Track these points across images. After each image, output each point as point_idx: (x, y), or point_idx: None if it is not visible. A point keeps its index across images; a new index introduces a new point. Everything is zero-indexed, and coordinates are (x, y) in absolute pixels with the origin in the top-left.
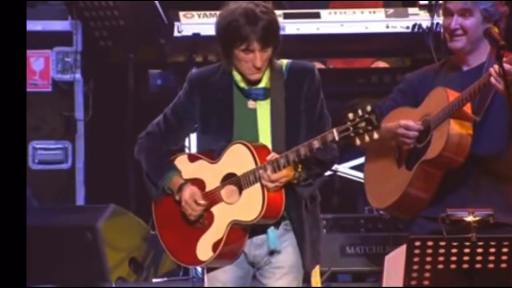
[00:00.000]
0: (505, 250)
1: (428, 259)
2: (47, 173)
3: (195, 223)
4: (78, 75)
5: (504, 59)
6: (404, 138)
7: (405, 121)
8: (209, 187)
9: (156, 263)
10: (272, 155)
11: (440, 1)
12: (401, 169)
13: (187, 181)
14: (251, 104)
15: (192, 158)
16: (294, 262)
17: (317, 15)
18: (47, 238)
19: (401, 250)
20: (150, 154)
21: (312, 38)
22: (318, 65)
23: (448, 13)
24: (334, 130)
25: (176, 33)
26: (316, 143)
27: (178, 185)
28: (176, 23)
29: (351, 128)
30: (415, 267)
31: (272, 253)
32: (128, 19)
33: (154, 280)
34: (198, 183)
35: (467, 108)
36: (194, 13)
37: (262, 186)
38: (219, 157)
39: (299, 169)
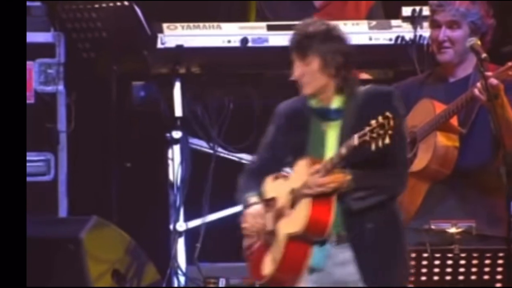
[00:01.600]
0: (487, 262)
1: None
2: (29, 185)
3: (266, 237)
4: (60, 87)
5: (490, 73)
6: None
7: None
8: (279, 203)
9: (139, 275)
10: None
11: (424, 13)
12: None
13: (263, 200)
14: (323, 126)
15: (276, 177)
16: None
17: None
18: (29, 250)
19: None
20: (243, 189)
21: None
22: None
23: (436, 25)
24: (355, 136)
25: (159, 45)
26: (343, 150)
27: (248, 203)
28: (159, 35)
29: (368, 133)
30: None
31: (312, 271)
32: (111, 30)
33: None
34: (272, 200)
35: (454, 121)
36: (178, 24)
37: (310, 199)
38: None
39: (348, 178)
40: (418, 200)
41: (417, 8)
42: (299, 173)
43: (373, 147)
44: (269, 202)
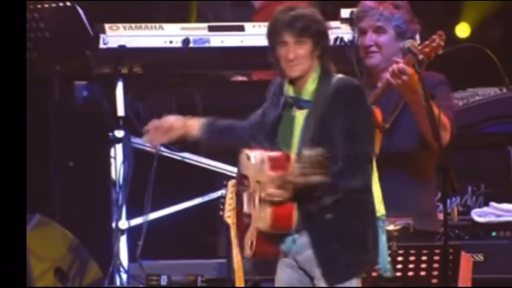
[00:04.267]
0: (424, 258)
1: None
2: None
3: (244, 218)
4: None
5: (399, 59)
6: None
7: None
8: (250, 187)
9: (81, 273)
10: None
11: None
12: None
13: (240, 176)
14: (294, 111)
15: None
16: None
17: (241, 28)
18: None
19: None
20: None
21: (236, 50)
22: (240, 78)
23: (362, 32)
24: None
25: (101, 45)
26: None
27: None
28: (101, 35)
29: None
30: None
31: (285, 255)
32: (54, 31)
33: None
34: (246, 179)
35: (377, 115)
36: (120, 25)
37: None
38: None
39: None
40: None
41: (355, 10)
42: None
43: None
44: (244, 180)
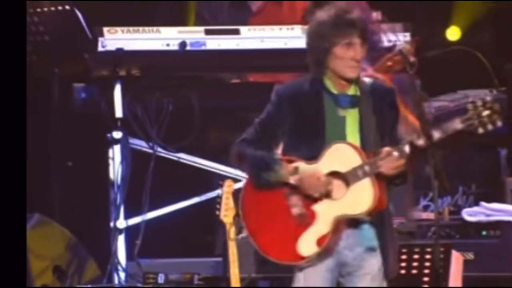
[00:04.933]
0: (416, 256)
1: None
2: None
3: (297, 220)
4: None
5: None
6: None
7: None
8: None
9: (80, 271)
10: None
11: None
12: None
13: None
14: (340, 111)
15: (287, 160)
16: (380, 266)
17: (237, 32)
18: None
19: None
20: (252, 150)
21: (232, 53)
22: (238, 80)
23: None
24: (458, 119)
25: (100, 48)
26: (437, 133)
27: (293, 167)
28: (100, 38)
29: (475, 117)
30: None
31: (368, 250)
32: (53, 34)
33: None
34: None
35: None
36: (118, 28)
37: (372, 180)
38: (318, 158)
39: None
40: None
41: None
42: (346, 157)
43: (480, 131)
44: (292, 186)
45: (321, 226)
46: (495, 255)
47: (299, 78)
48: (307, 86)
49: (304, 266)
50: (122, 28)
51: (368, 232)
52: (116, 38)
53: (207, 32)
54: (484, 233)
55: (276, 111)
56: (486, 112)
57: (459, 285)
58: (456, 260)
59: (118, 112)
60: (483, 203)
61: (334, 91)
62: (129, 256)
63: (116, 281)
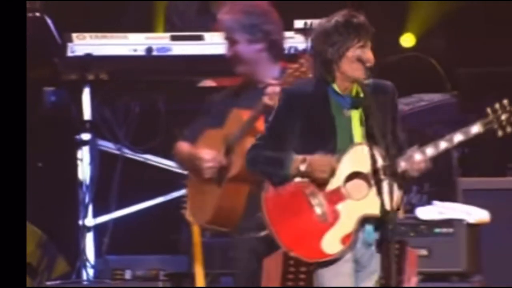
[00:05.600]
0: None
1: (304, 262)
2: None
3: (321, 219)
4: None
5: (274, 81)
6: (201, 170)
7: (201, 153)
8: (331, 186)
9: (50, 268)
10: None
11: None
12: (214, 186)
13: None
14: (346, 112)
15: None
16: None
17: (201, 38)
18: None
19: (279, 253)
20: (263, 153)
21: (197, 58)
22: (209, 83)
23: (235, 43)
24: (478, 123)
25: (69, 53)
26: (459, 136)
27: (301, 157)
28: (69, 44)
29: (495, 120)
30: (292, 269)
31: (369, 246)
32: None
33: (48, 283)
34: (318, 184)
35: (261, 125)
36: (86, 34)
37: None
38: (338, 159)
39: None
40: (242, 203)
41: (309, 21)
42: (367, 159)
43: (500, 133)
44: (316, 185)
45: (345, 225)
46: (448, 252)
47: (302, 81)
48: (313, 87)
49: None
50: (91, 34)
51: (370, 230)
52: (84, 44)
53: (173, 38)
54: (437, 230)
55: (285, 112)
56: (504, 116)
57: (414, 279)
58: (411, 257)
59: (87, 115)
60: (436, 202)
61: (340, 92)
62: (98, 253)
63: (85, 277)
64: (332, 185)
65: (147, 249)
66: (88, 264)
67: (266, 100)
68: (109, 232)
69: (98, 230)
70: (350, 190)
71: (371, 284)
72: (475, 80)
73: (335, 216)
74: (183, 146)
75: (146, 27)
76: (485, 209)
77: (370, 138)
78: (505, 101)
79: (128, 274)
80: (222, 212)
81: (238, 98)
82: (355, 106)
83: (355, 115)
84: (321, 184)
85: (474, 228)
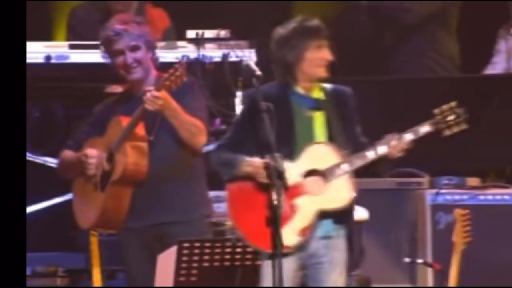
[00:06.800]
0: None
1: (195, 258)
2: None
3: (279, 212)
4: None
5: (151, 87)
6: (86, 165)
7: (86, 150)
8: (290, 182)
9: None
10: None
11: (206, 36)
12: (97, 191)
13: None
14: (308, 113)
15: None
16: (340, 256)
17: (98, 46)
18: None
19: (172, 251)
20: (220, 153)
21: (94, 66)
22: (116, 89)
23: (118, 53)
24: (426, 123)
25: None
26: (408, 136)
27: (246, 160)
28: None
29: (442, 121)
30: (184, 265)
31: (324, 238)
32: None
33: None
34: (284, 180)
35: (140, 130)
36: None
37: (348, 177)
38: (296, 158)
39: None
40: (125, 203)
41: (200, 31)
42: (324, 156)
43: (446, 133)
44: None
45: (303, 218)
46: None
47: (266, 84)
48: (275, 89)
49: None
50: None
51: (327, 224)
52: None
53: (71, 47)
54: None
55: (247, 115)
56: (451, 117)
57: None
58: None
59: None
60: None
61: (302, 93)
62: None
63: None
64: (291, 180)
65: (47, 246)
66: None
67: (146, 105)
68: None
69: None
70: (308, 186)
71: (338, 276)
72: (360, 88)
73: (293, 210)
74: (68, 154)
75: (46, 35)
76: (364, 208)
77: (331, 139)
78: (453, 103)
79: (28, 270)
80: (107, 215)
81: (118, 106)
82: (317, 108)
83: (317, 117)
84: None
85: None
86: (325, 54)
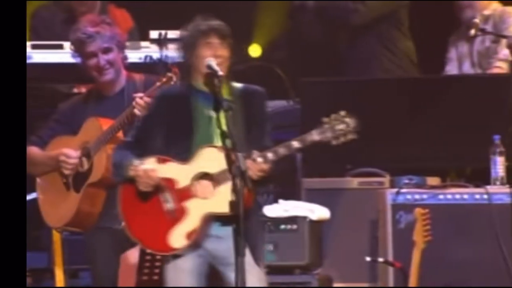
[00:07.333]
0: None
1: (158, 257)
2: None
3: (169, 214)
4: None
5: (140, 94)
6: (66, 164)
7: (66, 150)
8: (180, 184)
9: None
10: (257, 153)
11: (169, 36)
12: (70, 191)
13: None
14: (208, 112)
15: (161, 160)
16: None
17: (60, 46)
18: None
19: (136, 249)
20: (120, 151)
21: (56, 66)
22: (82, 88)
23: (91, 55)
24: (314, 132)
25: None
26: (295, 143)
27: (133, 165)
28: None
29: (330, 130)
30: (147, 264)
31: (218, 238)
32: None
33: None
34: (169, 181)
35: (120, 134)
36: None
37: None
38: (189, 159)
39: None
40: (100, 204)
41: (163, 32)
42: (214, 160)
43: (333, 142)
44: (165, 183)
45: (191, 221)
46: (292, 246)
47: (175, 84)
48: (179, 89)
49: (172, 258)
50: None
51: (219, 226)
52: None
53: (34, 47)
54: (282, 227)
55: (152, 112)
56: (340, 126)
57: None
58: None
59: None
60: (281, 201)
61: (205, 91)
62: None
63: None
64: (182, 183)
65: None
66: None
67: (136, 110)
68: None
69: None
70: (198, 189)
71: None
72: (316, 89)
73: (183, 212)
74: (34, 150)
75: None
76: (326, 207)
77: (228, 139)
78: (342, 112)
79: None
80: (81, 215)
81: (87, 105)
82: (220, 107)
83: (220, 116)
84: (171, 183)
85: (316, 224)
86: (214, 51)
